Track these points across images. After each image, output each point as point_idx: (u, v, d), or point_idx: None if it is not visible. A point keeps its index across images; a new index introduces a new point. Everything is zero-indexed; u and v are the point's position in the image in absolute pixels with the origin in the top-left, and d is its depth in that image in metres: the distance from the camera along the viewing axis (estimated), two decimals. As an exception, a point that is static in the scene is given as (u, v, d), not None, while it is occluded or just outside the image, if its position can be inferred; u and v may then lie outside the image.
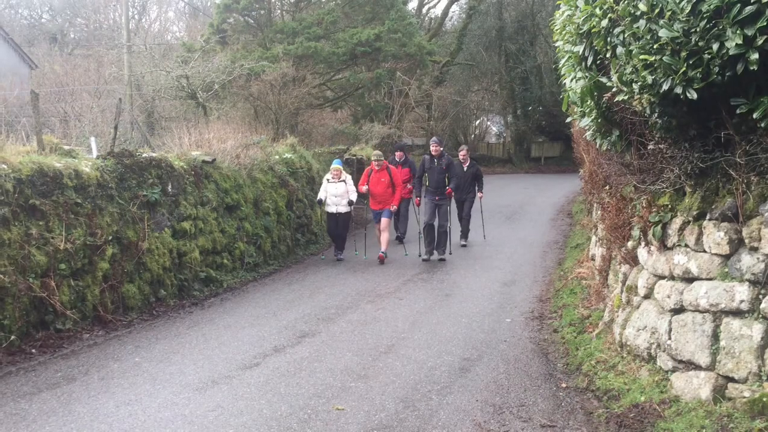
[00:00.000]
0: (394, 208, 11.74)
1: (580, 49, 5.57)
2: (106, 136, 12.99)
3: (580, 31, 5.39)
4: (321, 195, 11.78)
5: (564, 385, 5.65)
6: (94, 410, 5.13)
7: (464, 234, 13.10)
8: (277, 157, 12.47)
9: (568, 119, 7.44)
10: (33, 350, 6.54)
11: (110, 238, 7.80)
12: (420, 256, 11.69)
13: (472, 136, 41.20)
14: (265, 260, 11.12)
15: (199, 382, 5.75)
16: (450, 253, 11.78)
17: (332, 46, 17.48)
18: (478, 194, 13.32)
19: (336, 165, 11.99)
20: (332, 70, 18.68)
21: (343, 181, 11.79)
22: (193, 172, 9.61)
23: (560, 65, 6.61)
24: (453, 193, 12.04)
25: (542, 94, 31.99)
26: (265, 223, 11.21)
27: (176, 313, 8.27)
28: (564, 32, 6.04)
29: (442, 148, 11.89)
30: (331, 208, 11.81)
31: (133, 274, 8.17)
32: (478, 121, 41.36)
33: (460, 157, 13.36)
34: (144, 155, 8.83)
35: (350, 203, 11.78)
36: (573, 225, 14.71)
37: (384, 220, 11.76)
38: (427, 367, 6.08)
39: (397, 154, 13.40)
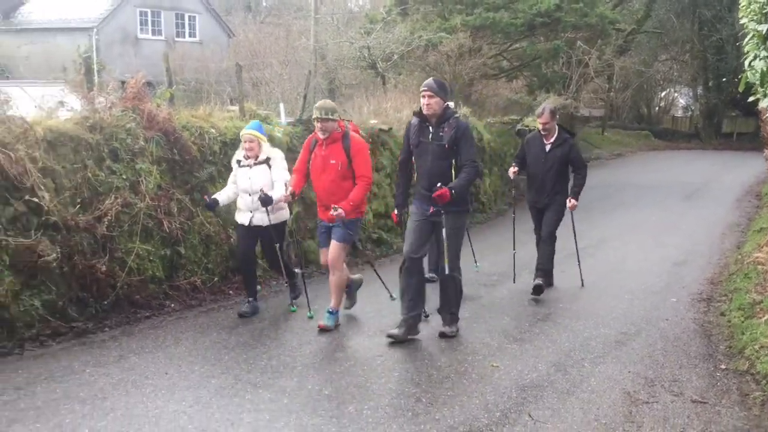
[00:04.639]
0: (339, 213, 6.01)
1: (764, 28, 5.42)
2: (292, 103, 14.08)
3: (764, 11, 5.25)
4: (224, 193, 6.81)
5: (723, 366, 5.63)
6: (281, 344, 5.91)
7: (541, 269, 7.71)
8: (450, 126, 12.87)
9: (750, 98, 7.15)
10: (230, 291, 7.54)
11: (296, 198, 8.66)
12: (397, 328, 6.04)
13: (657, 108, 39.13)
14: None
15: (369, 330, 6.39)
16: (453, 332, 6.15)
17: (511, 16, 17.45)
18: (570, 202, 7.57)
19: (250, 130, 6.64)
20: (509, 40, 18.64)
21: (264, 162, 6.63)
22: (370, 140, 10.29)
23: (744, 43, 6.41)
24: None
25: (739, 64, 29.55)
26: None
27: (350, 269, 8.99)
28: (749, 9, 5.87)
29: (448, 103, 6.12)
30: (242, 216, 6.76)
31: (313, 231, 9.00)
32: (663, 93, 39.17)
33: (540, 126, 7.55)
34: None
35: (265, 201, 6.34)
36: (760, 207, 13.85)
37: (333, 246, 6.32)
38: (582, 337, 6.30)
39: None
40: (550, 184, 7.60)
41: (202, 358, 5.54)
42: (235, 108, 9.44)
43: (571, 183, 7.81)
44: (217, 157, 7.75)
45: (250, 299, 6.86)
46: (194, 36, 29.81)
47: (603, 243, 10.84)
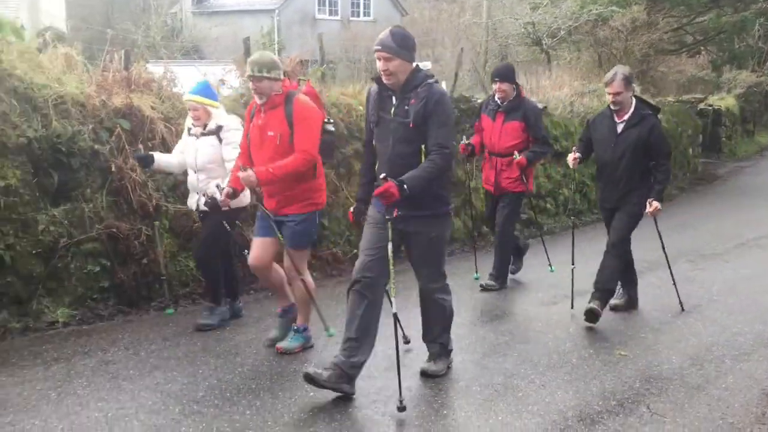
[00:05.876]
0: (248, 174, 4.73)
1: None
2: (458, 80, 14.06)
3: None
4: (167, 156, 5.69)
5: None
6: (405, 319, 6.03)
7: (599, 289, 5.97)
8: (614, 105, 12.27)
9: None
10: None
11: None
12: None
13: None
14: (589, 208, 11.25)
15: (491, 314, 6.36)
16: (440, 371, 4.83)
17: (693, -14, 16.24)
18: (651, 205, 5.73)
19: (192, 96, 5.39)
20: (691, 12, 17.33)
21: (214, 133, 5.37)
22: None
23: None
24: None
25: None
26: (592, 172, 11.23)
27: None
28: None
29: (419, 64, 4.32)
30: (190, 199, 5.67)
31: (459, 209, 9.04)
32: None
33: (610, 98, 5.72)
34: (478, 101, 9.57)
35: (213, 207, 5.21)
36: None
37: (287, 255, 5.15)
38: (730, 332, 5.84)
39: (498, 87, 6.78)
40: (624, 177, 5.81)
41: (332, 324, 5.80)
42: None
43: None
44: (363, 134, 7.99)
45: (212, 305, 5.69)
46: (368, 15, 30.69)
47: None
